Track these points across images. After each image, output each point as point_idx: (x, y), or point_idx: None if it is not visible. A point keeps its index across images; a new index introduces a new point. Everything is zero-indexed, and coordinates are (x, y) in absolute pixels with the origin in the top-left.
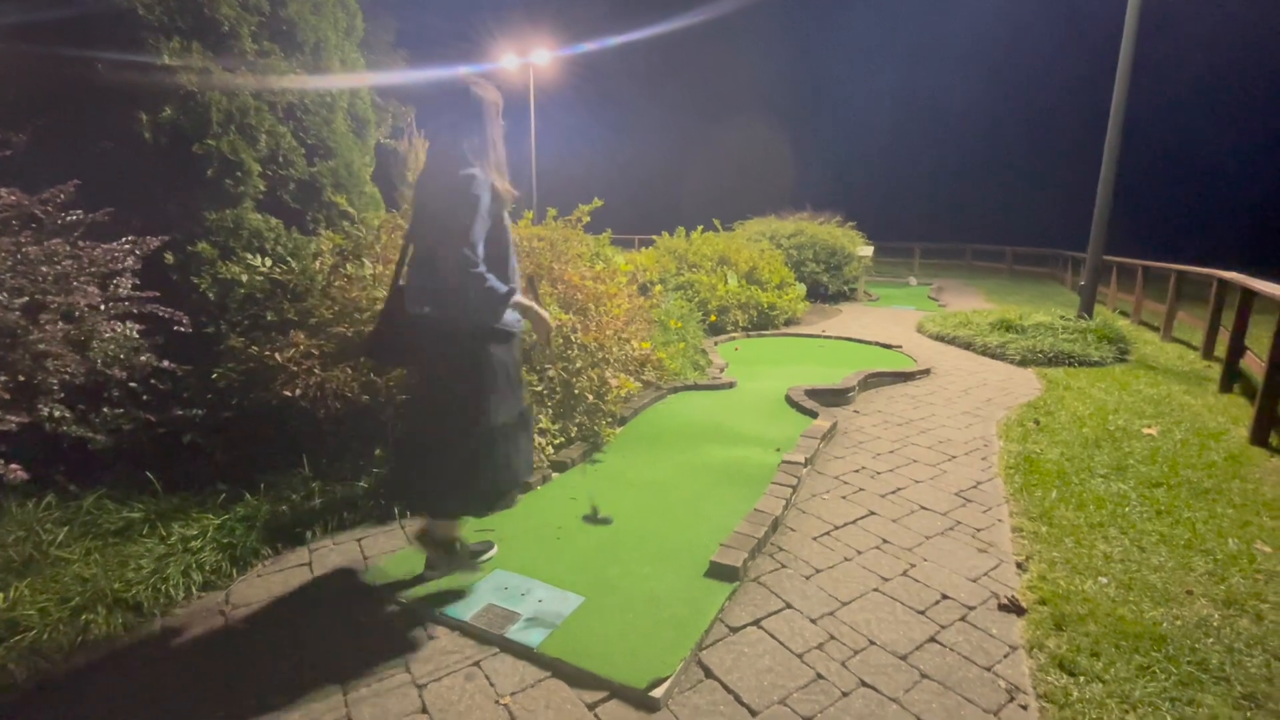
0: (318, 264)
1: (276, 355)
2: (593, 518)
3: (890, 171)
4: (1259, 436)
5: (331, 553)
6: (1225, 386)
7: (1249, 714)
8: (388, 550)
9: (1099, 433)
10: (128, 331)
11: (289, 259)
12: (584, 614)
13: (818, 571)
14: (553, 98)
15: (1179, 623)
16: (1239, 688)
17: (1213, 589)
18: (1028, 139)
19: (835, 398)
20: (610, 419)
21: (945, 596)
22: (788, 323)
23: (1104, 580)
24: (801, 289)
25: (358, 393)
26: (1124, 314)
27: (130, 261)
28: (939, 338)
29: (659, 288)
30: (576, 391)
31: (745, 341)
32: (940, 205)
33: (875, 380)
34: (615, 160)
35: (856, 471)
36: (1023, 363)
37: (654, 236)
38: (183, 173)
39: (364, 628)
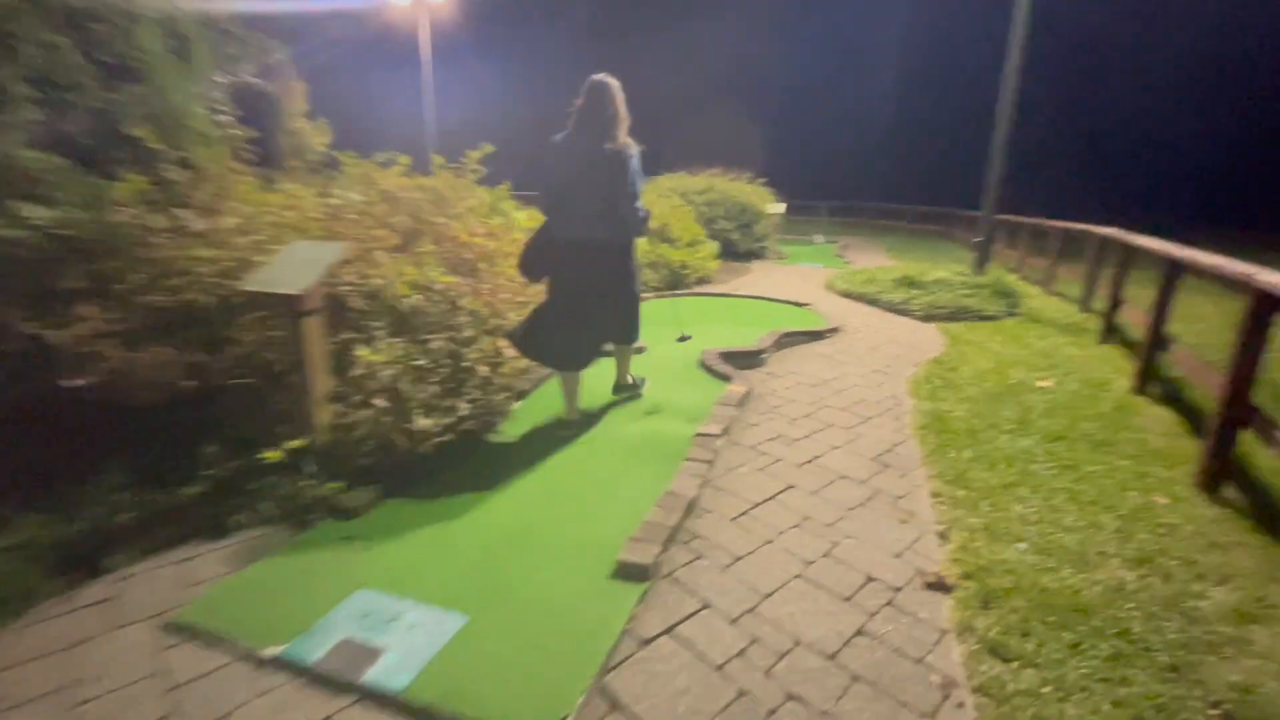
0: (123, 215)
1: (57, 333)
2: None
3: (798, 130)
4: (1140, 386)
5: (142, 583)
6: (1104, 338)
7: (1176, 687)
8: (220, 574)
9: (1001, 387)
10: None
11: (81, 209)
12: (467, 638)
13: (737, 560)
14: (453, 40)
15: (1098, 588)
16: (1163, 657)
17: (1123, 548)
18: (928, 100)
19: (749, 360)
20: (508, 393)
21: (871, 578)
22: (699, 281)
23: (1022, 546)
24: (714, 247)
25: (180, 377)
26: (1011, 270)
27: None
28: (847, 295)
29: None
30: (466, 364)
31: (656, 302)
32: (845, 164)
33: (788, 340)
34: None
35: (773, 439)
36: (926, 318)
37: None
38: None
39: (178, 687)
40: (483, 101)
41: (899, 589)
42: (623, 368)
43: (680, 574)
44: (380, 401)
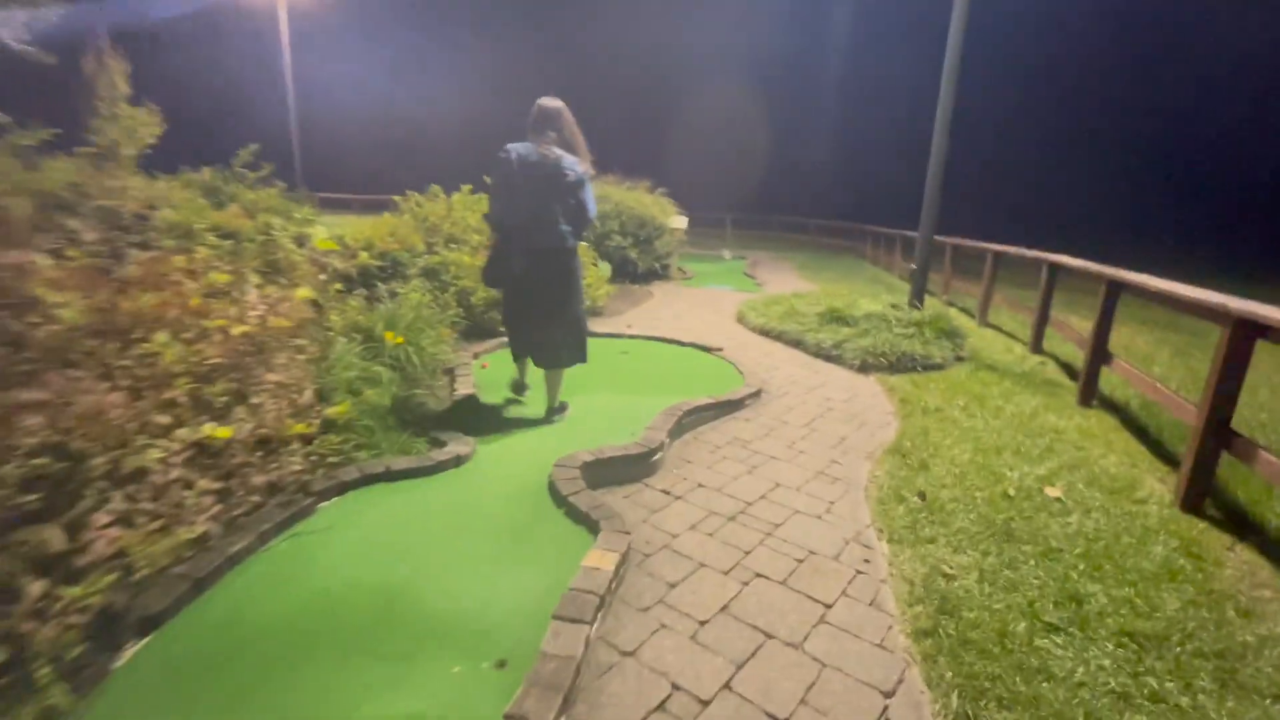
0: None
1: None
2: None
3: (700, 138)
4: (1190, 498)
5: None
6: (1085, 399)
7: None
8: None
9: (1001, 504)
10: None
11: None
12: None
13: None
14: (315, 25)
15: None
16: None
17: None
18: (841, 110)
19: (633, 469)
20: (109, 622)
21: None
22: None
23: None
24: (605, 269)
25: None
26: (929, 293)
27: None
28: (764, 332)
29: (396, 284)
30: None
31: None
32: (748, 174)
33: (692, 418)
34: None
35: (661, 675)
36: (863, 368)
37: (397, 198)
38: None
39: None
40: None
41: None
42: (553, 389)
43: None
44: None
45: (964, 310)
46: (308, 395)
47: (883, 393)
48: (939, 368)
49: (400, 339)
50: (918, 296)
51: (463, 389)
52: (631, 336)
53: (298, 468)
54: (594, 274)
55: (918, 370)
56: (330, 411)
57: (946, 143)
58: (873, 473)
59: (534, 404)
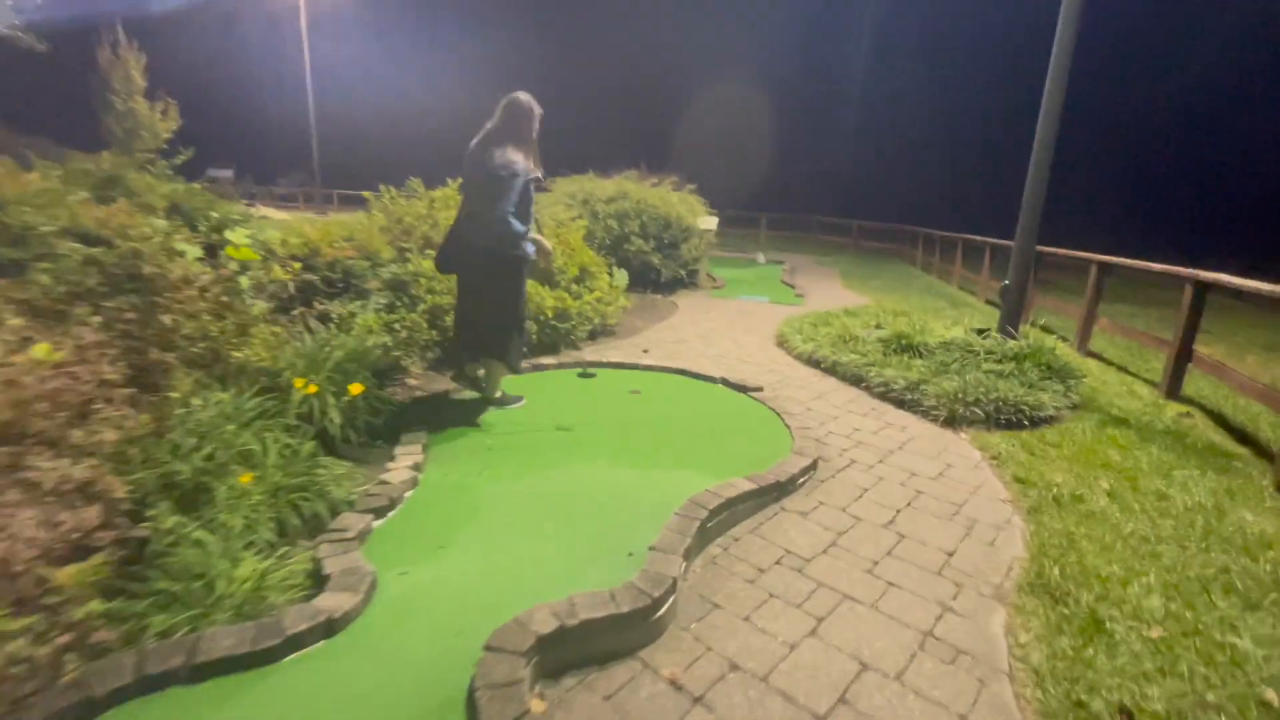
0: None
1: None
2: None
3: (733, 134)
4: None
5: None
6: None
7: None
8: None
9: None
10: None
11: None
12: None
13: None
14: (333, 18)
15: None
16: None
17: None
18: (880, 101)
19: (623, 634)
20: None
21: None
22: (593, 336)
23: None
24: (620, 279)
25: None
26: (990, 303)
27: None
28: (814, 362)
29: (349, 302)
30: None
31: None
32: (783, 172)
33: (722, 519)
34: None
35: None
36: (950, 420)
37: (368, 194)
38: None
39: None
40: (375, 83)
41: None
42: (491, 380)
43: None
44: None
45: (1044, 328)
46: (91, 513)
47: (985, 463)
48: (1051, 420)
49: (314, 388)
50: (1011, 321)
51: (404, 460)
52: (646, 368)
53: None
54: (604, 283)
55: (1024, 425)
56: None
57: (1055, 129)
58: (1015, 640)
59: (491, 508)
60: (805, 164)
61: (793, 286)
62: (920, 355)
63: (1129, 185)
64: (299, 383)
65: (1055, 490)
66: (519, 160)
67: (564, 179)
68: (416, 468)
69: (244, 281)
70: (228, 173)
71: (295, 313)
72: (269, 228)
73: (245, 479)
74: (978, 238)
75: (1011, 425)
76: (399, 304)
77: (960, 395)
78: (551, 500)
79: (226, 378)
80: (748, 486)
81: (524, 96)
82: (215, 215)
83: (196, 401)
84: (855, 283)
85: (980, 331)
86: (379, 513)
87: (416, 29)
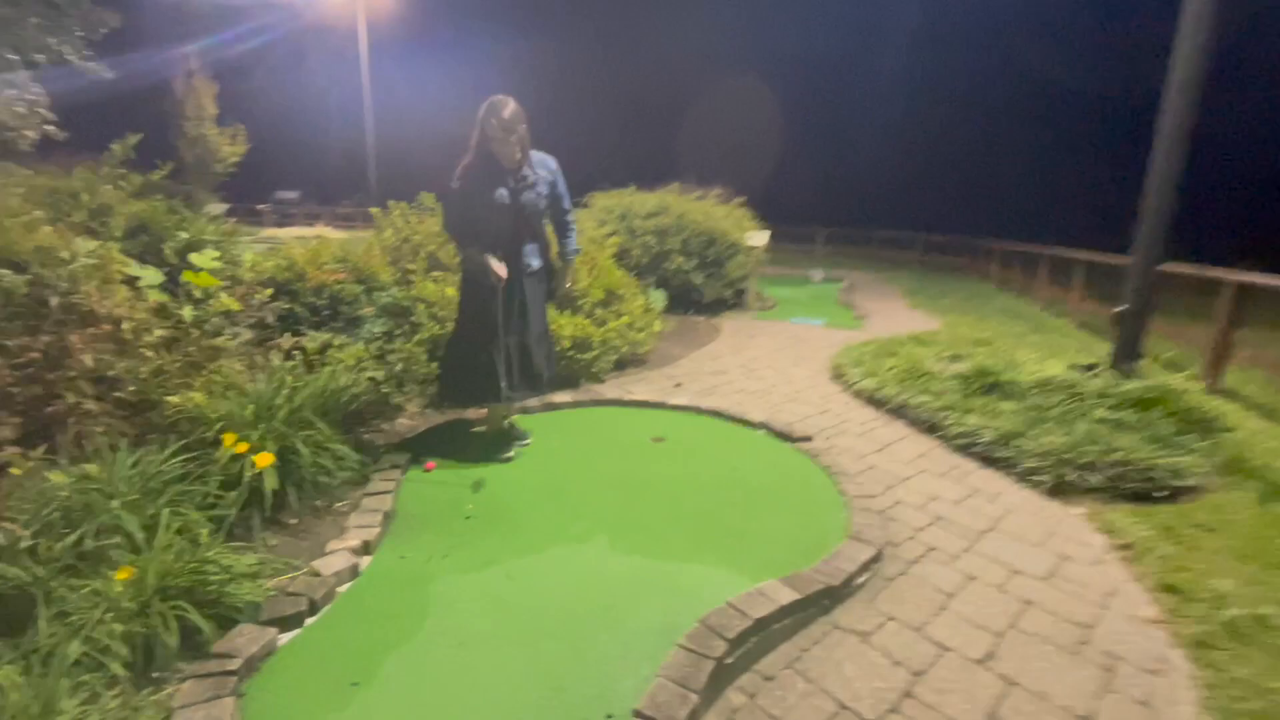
0: None
1: None
2: None
3: (790, 144)
4: None
5: None
6: None
7: None
8: None
9: None
10: None
11: None
12: None
13: None
14: (391, 32)
15: None
16: None
17: None
18: (945, 103)
19: None
20: None
21: None
22: (620, 366)
23: None
24: (657, 299)
25: None
26: (1060, 315)
27: None
28: (877, 401)
29: (335, 333)
30: None
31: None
32: (841, 182)
33: (748, 650)
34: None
35: None
36: (1058, 488)
37: (375, 210)
38: None
39: None
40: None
41: None
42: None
43: None
44: None
45: (1169, 363)
46: None
47: (1113, 554)
48: (1196, 491)
49: (244, 445)
50: (1128, 354)
51: (353, 536)
52: (675, 407)
53: None
54: (636, 306)
55: (1159, 496)
56: None
57: (1189, 117)
58: None
59: (440, 616)
60: (864, 174)
61: (851, 307)
62: (1010, 397)
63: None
64: (228, 439)
65: (1226, 608)
66: (458, 172)
67: (602, 194)
68: (365, 548)
69: (188, 312)
70: (294, 194)
71: (273, 343)
72: (249, 250)
73: (122, 574)
74: (1066, 252)
75: (1141, 497)
76: (398, 332)
77: (1070, 454)
78: (522, 609)
79: (160, 428)
80: (787, 597)
81: (494, 99)
82: (184, 235)
83: (90, 468)
84: (922, 302)
85: (1087, 368)
86: (291, 623)
87: (463, 44)
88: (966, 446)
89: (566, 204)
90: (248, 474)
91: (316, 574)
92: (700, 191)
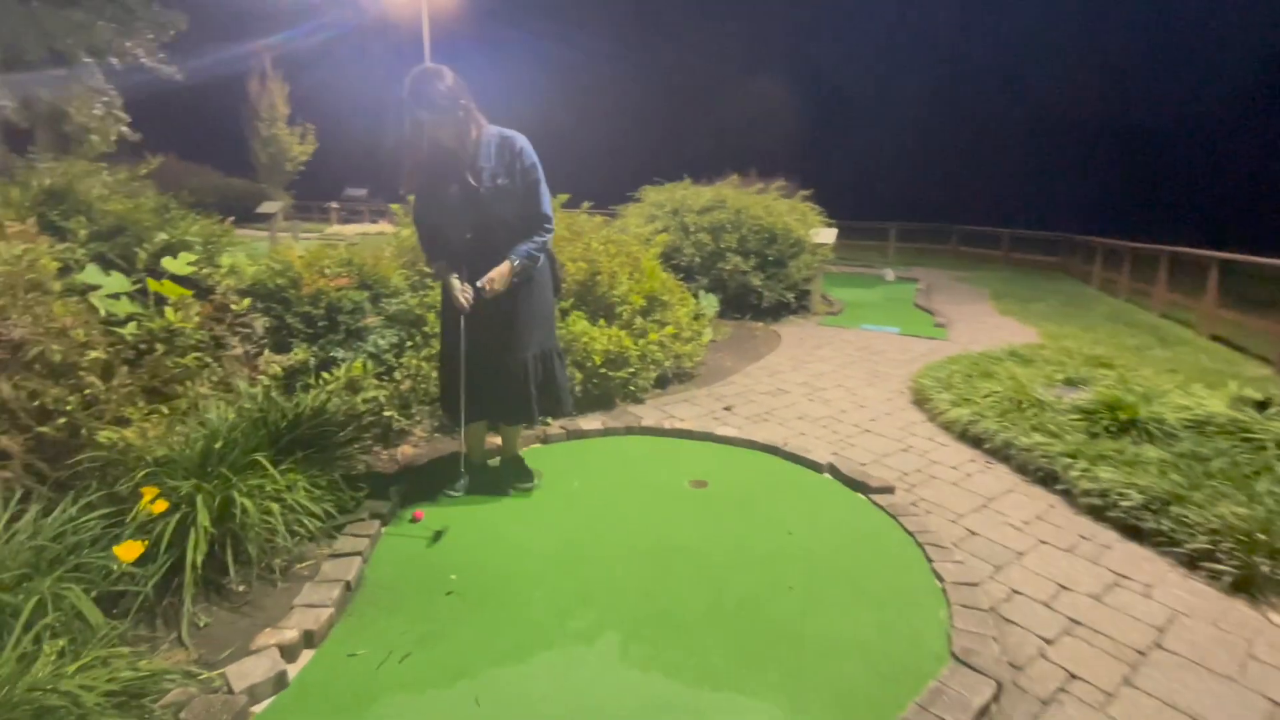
0: None
1: None
2: None
3: (860, 132)
4: None
5: None
6: None
7: None
8: None
9: None
10: None
11: None
12: None
13: None
14: (456, 30)
15: None
16: None
17: None
18: (1024, 94)
19: None
20: None
21: None
22: (663, 383)
23: None
24: (709, 304)
25: None
26: (1185, 324)
27: None
28: (972, 438)
29: (332, 344)
30: None
31: (465, 510)
32: (918, 175)
33: None
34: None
35: None
36: (1246, 583)
37: (396, 206)
38: None
39: None
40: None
41: None
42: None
43: None
44: None
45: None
46: None
47: None
48: None
49: (163, 505)
50: None
51: (300, 618)
52: (723, 439)
53: None
54: (683, 314)
55: None
56: None
57: None
58: None
59: None
60: (939, 166)
61: (931, 312)
62: (1154, 441)
63: None
64: (148, 495)
65: None
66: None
67: (653, 187)
68: (308, 639)
69: (130, 329)
70: (362, 191)
71: (253, 362)
72: (239, 254)
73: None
74: (1192, 250)
75: None
76: (410, 344)
77: (1248, 528)
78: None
79: (84, 474)
80: None
81: (409, 76)
82: (163, 237)
83: None
84: (1013, 307)
85: (1260, 405)
86: None
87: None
88: (1101, 510)
89: (540, 193)
90: (167, 535)
91: (226, 689)
92: (761, 185)
